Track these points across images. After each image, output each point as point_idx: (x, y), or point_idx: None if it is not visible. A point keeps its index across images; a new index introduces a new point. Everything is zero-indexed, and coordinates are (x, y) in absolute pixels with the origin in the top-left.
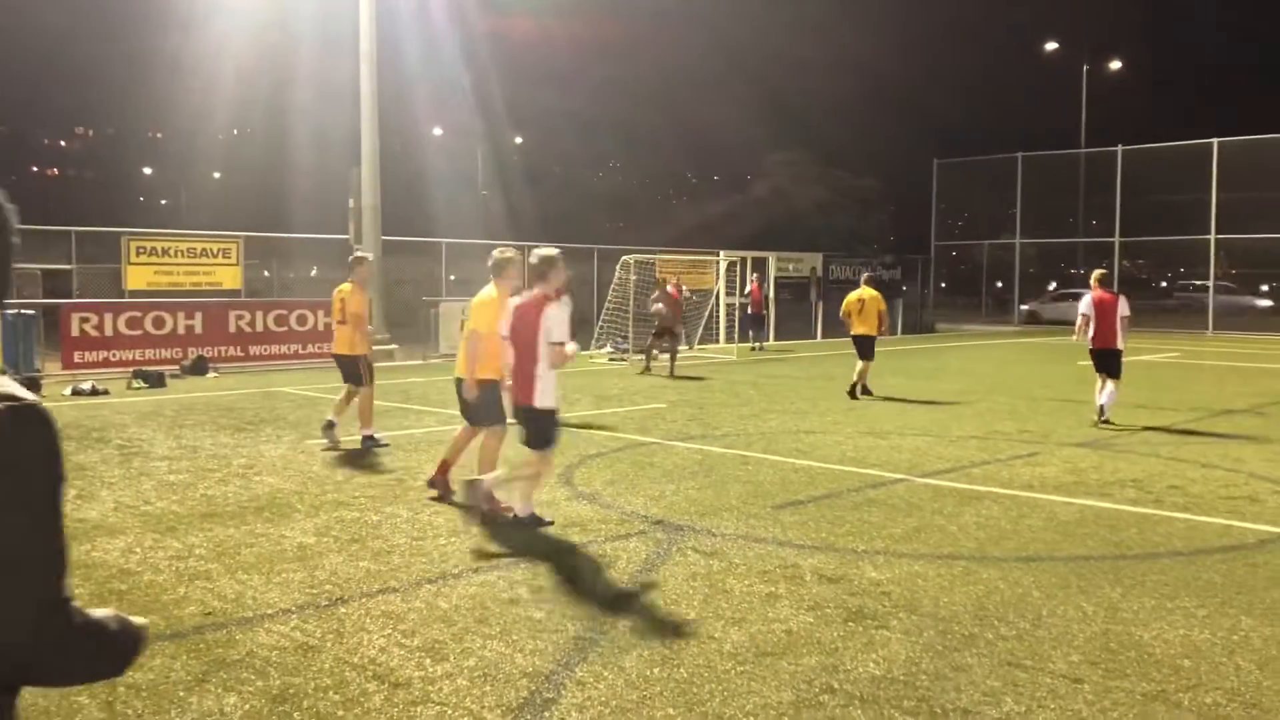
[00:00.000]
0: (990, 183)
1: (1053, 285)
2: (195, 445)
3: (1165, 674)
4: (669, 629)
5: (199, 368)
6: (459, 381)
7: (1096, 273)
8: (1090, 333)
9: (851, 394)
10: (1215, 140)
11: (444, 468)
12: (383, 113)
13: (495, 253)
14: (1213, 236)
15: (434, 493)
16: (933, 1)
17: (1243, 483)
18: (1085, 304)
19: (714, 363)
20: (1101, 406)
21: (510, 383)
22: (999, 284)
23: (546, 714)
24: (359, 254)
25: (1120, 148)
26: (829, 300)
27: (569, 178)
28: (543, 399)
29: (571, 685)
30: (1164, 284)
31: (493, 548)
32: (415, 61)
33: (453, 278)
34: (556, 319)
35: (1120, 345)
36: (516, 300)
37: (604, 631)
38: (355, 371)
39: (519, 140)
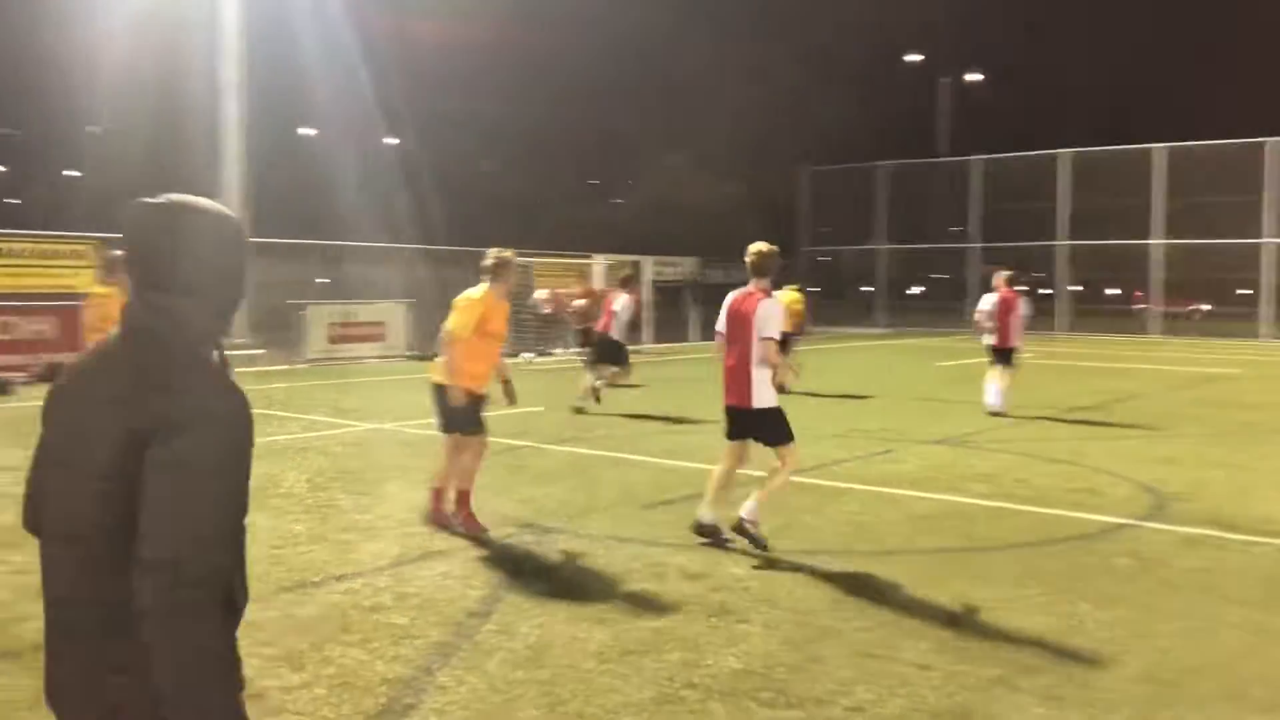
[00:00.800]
0: (855, 190)
1: (916, 290)
2: None
3: (1008, 659)
4: (534, 631)
5: (50, 374)
6: (438, 388)
7: (1003, 274)
8: (994, 329)
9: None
10: (1065, 151)
11: (439, 495)
12: (256, 110)
13: (492, 252)
14: (1062, 242)
15: (446, 527)
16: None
17: (1085, 476)
18: (988, 302)
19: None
20: (993, 404)
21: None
22: (863, 288)
23: (405, 719)
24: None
25: (977, 157)
26: (706, 304)
27: (448, 179)
28: (760, 399)
29: (433, 690)
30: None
31: (358, 556)
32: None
33: (326, 281)
34: (771, 314)
35: (1016, 342)
36: (730, 296)
37: (468, 635)
38: None
39: (397, 141)
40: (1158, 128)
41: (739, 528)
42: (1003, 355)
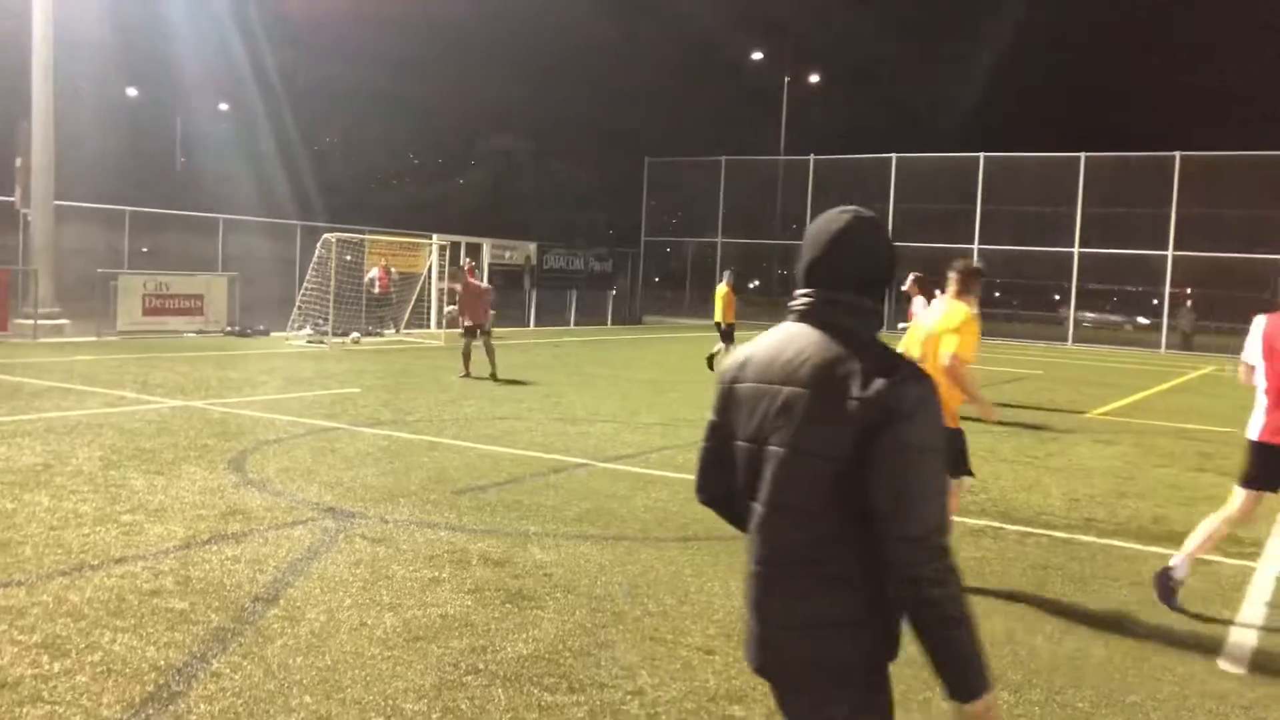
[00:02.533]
0: (697, 183)
1: (754, 284)
2: None
3: None
4: (321, 617)
5: None
6: (955, 432)
7: (913, 275)
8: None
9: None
10: (894, 155)
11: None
12: (66, 66)
13: (961, 262)
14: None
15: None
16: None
17: None
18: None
19: (420, 348)
20: None
21: None
22: (705, 280)
23: (171, 707)
24: None
25: (812, 157)
26: (543, 289)
27: (282, 151)
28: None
29: (205, 677)
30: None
31: (143, 539)
32: (113, 13)
33: (144, 250)
34: None
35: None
36: (1262, 320)
37: (250, 621)
38: None
39: (225, 108)
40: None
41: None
42: None
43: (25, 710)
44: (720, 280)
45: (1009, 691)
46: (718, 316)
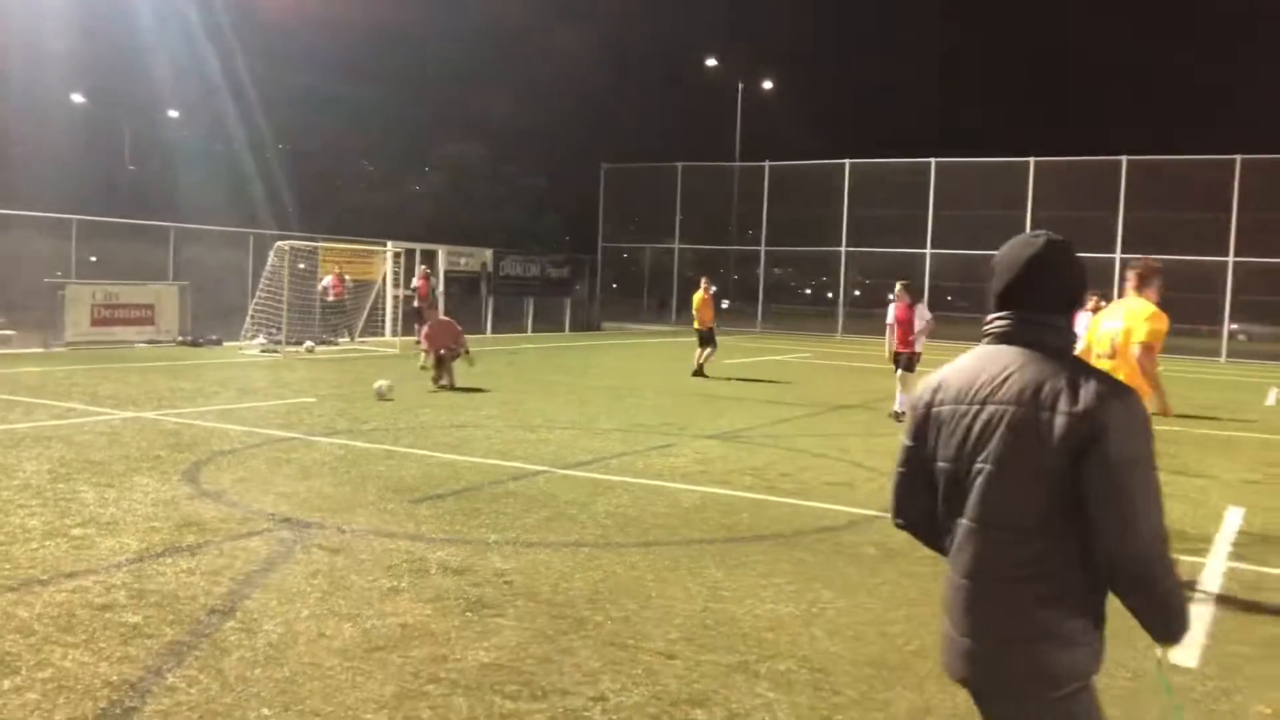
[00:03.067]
0: (654, 189)
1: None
2: None
3: (750, 646)
4: (278, 628)
5: None
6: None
7: (901, 284)
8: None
9: (699, 374)
10: (847, 161)
11: None
12: (14, 75)
13: (1140, 260)
14: (844, 249)
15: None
16: (606, 12)
17: (844, 470)
18: (891, 313)
19: (376, 356)
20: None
21: None
22: (662, 286)
23: None
24: None
25: (767, 163)
26: (499, 296)
27: (232, 158)
28: None
29: (160, 691)
30: (806, 290)
31: (94, 553)
32: (60, 21)
33: (93, 259)
34: None
35: (918, 348)
36: None
37: (205, 635)
38: None
39: (174, 114)
40: (937, 144)
41: None
42: (901, 360)
43: None
44: (699, 287)
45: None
46: (696, 322)
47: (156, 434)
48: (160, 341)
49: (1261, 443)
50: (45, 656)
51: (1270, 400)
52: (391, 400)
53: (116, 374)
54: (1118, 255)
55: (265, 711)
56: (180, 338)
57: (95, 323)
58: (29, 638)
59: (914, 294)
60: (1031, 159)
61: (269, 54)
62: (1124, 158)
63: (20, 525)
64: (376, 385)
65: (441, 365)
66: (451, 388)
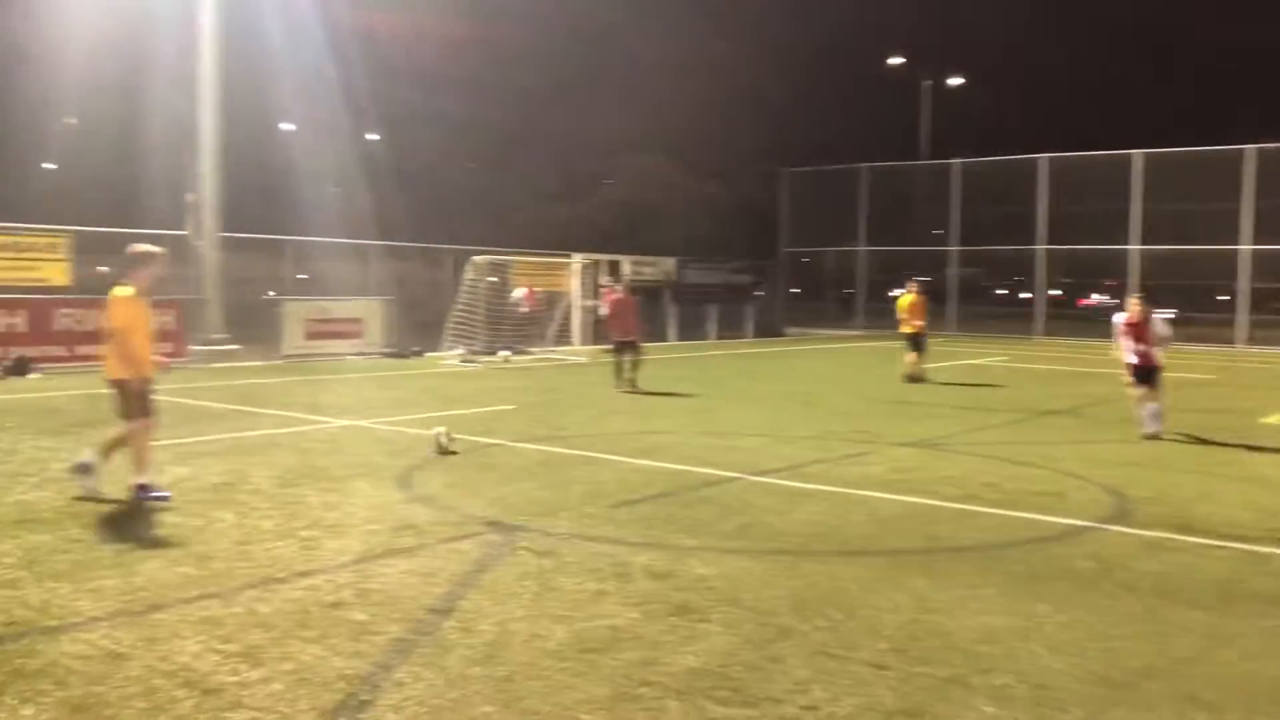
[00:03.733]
0: (836, 192)
1: (898, 292)
2: (12, 449)
3: (963, 659)
4: (494, 628)
5: (20, 368)
6: None
7: (1134, 296)
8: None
9: (914, 380)
10: (1044, 156)
11: None
12: (231, 105)
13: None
14: (1042, 247)
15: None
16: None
17: (1052, 480)
18: (1119, 319)
19: (567, 365)
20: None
21: None
22: (847, 290)
23: (361, 715)
24: (139, 248)
25: (957, 161)
26: (683, 304)
27: (429, 177)
28: None
29: (389, 686)
30: (1000, 290)
31: (322, 553)
32: (268, 53)
33: (302, 277)
34: None
35: (1158, 362)
36: None
37: (427, 633)
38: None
39: (375, 137)
40: (1137, 133)
41: None
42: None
43: (229, 716)
44: (905, 288)
45: (1204, 711)
46: (905, 326)
47: (370, 441)
48: (368, 353)
49: None
50: (286, 650)
51: None
52: (455, 453)
53: (331, 384)
54: None
55: (487, 709)
56: (386, 349)
57: (309, 336)
58: (270, 632)
59: (1150, 303)
60: (1248, 147)
61: (465, 79)
62: None
63: (255, 527)
64: (435, 432)
65: (619, 372)
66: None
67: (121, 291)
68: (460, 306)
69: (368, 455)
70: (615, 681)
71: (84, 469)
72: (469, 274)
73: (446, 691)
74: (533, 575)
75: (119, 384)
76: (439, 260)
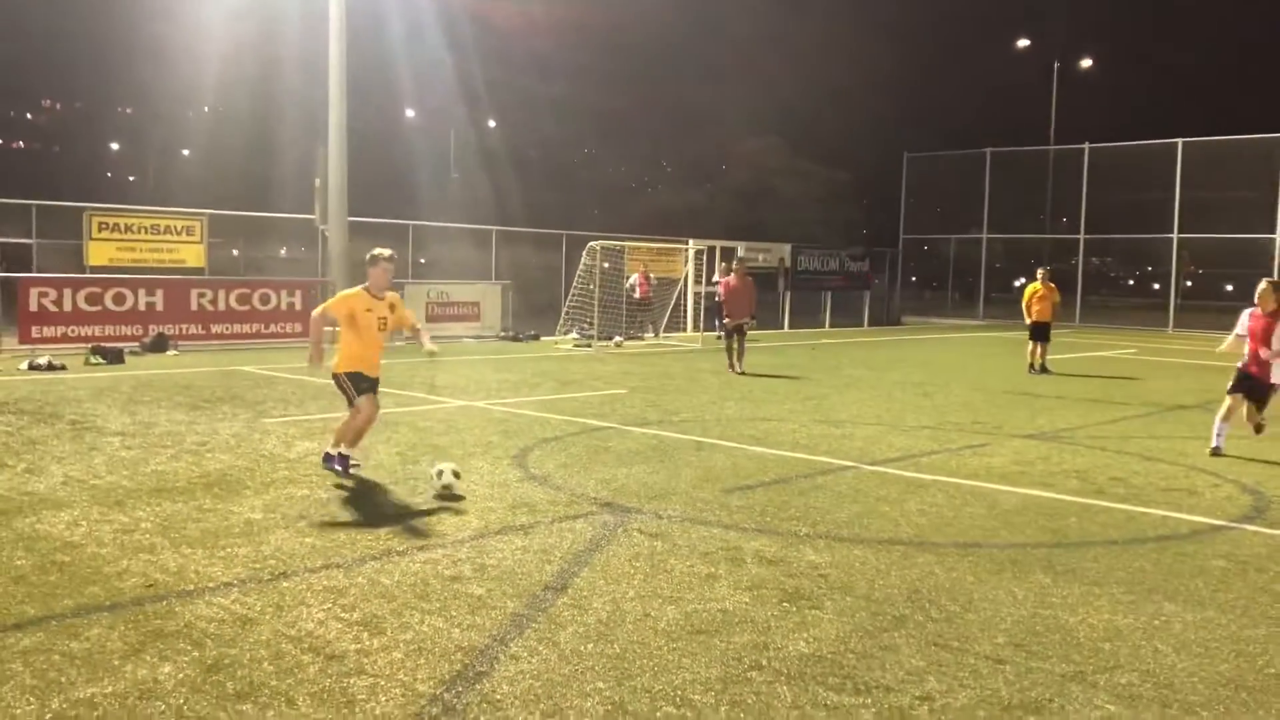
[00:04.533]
0: (959, 177)
1: (1019, 281)
2: (150, 422)
3: (1085, 656)
4: (607, 606)
5: (159, 345)
6: None
7: (1268, 282)
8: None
9: (1040, 370)
10: (1180, 140)
11: None
12: (357, 94)
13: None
14: (1175, 235)
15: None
16: None
17: (1183, 476)
18: (1243, 322)
19: (679, 351)
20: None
21: None
22: (968, 278)
23: (478, 686)
24: (372, 252)
25: (1087, 145)
26: (797, 291)
27: (544, 163)
28: None
29: (505, 659)
30: (1130, 281)
31: (441, 528)
32: (392, 43)
33: (422, 261)
34: None
35: (1275, 377)
36: None
37: (542, 609)
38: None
39: (493, 124)
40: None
41: None
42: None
43: (352, 681)
44: (1039, 278)
45: None
46: (1032, 314)
47: (487, 422)
48: (485, 336)
49: None
50: (405, 620)
51: None
52: (461, 498)
53: (449, 366)
54: None
55: (600, 685)
56: (502, 332)
57: (429, 319)
58: (391, 602)
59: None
60: None
61: (581, 65)
62: None
63: (378, 501)
64: (436, 470)
65: (732, 355)
66: (739, 371)
67: (345, 290)
68: (575, 291)
69: (484, 435)
70: (726, 664)
71: (331, 460)
72: (584, 259)
73: (560, 666)
74: (645, 556)
75: (333, 375)
76: (555, 245)
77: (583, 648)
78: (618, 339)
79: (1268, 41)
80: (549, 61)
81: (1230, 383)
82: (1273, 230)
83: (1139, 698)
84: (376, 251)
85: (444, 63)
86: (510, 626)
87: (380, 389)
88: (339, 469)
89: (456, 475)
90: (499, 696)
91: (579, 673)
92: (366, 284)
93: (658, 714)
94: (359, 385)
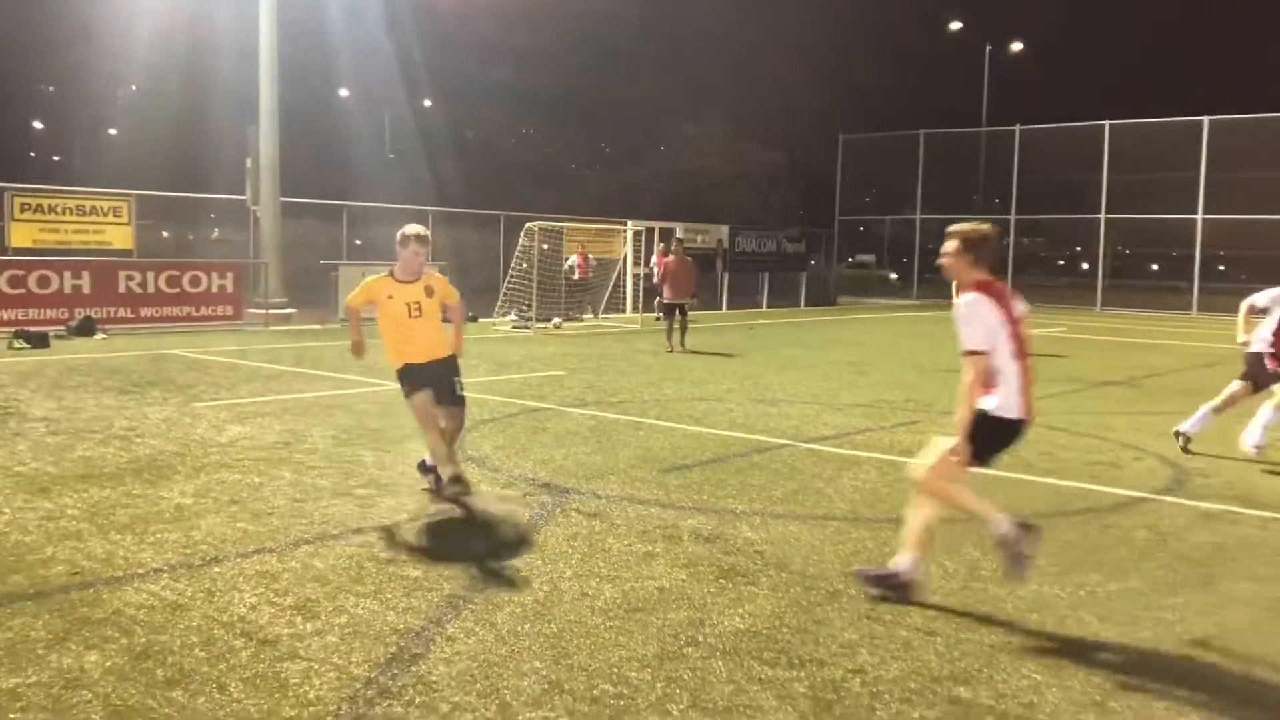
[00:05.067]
0: (894, 158)
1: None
2: (76, 407)
3: (1014, 626)
4: (544, 586)
5: (86, 328)
6: None
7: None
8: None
9: None
10: (1107, 123)
11: None
12: (289, 73)
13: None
14: (1103, 216)
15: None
16: None
17: (1108, 450)
18: (1266, 297)
19: (618, 332)
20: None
21: None
22: (904, 259)
23: (414, 668)
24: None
25: (1018, 127)
26: (735, 272)
27: (481, 144)
28: None
29: (441, 640)
30: (1061, 261)
31: (377, 511)
32: (327, 21)
33: (358, 242)
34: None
35: None
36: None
37: (479, 589)
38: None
39: (429, 104)
40: (1203, 100)
41: None
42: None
43: (285, 666)
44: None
45: (1259, 683)
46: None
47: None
48: None
49: None
50: (340, 604)
51: None
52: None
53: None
54: None
55: (537, 664)
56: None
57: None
58: (325, 586)
59: None
60: None
61: (518, 47)
62: None
63: (312, 485)
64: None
65: (671, 335)
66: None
67: (370, 276)
68: (513, 273)
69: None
70: (663, 640)
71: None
72: (522, 240)
73: (497, 647)
74: (582, 536)
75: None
76: (493, 226)
77: (520, 627)
78: (556, 320)
79: (1193, 25)
80: (487, 42)
81: (1246, 379)
82: (1196, 211)
83: (1064, 667)
84: (405, 230)
85: (379, 42)
86: (447, 608)
87: (319, 370)
88: (434, 488)
89: (457, 480)
90: (434, 678)
91: (515, 652)
92: (393, 267)
93: (595, 691)
94: (405, 380)
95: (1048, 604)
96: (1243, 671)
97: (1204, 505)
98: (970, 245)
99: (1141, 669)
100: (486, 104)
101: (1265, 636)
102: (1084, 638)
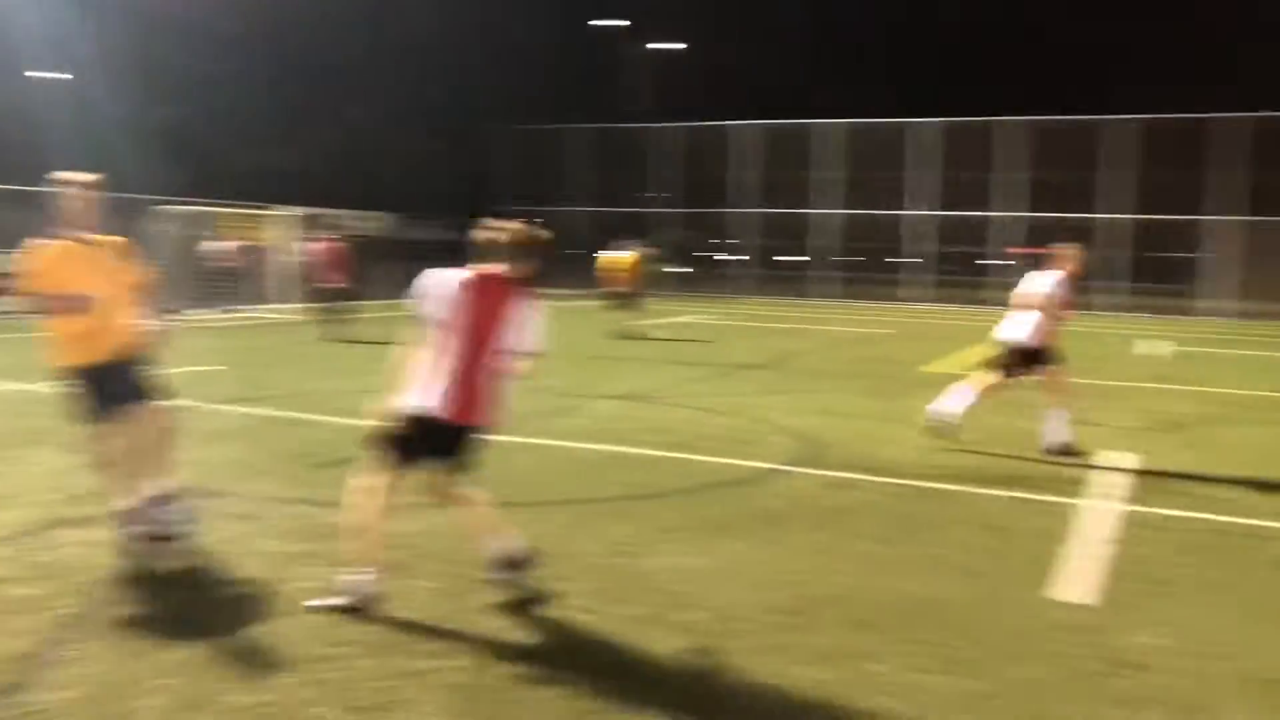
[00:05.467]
0: (556, 152)
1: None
2: None
3: (661, 598)
4: (186, 595)
5: None
6: None
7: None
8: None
9: (627, 337)
10: (729, 124)
11: None
12: None
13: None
14: (760, 210)
15: None
16: None
17: (749, 427)
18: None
19: (271, 323)
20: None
21: None
22: (566, 250)
23: (28, 697)
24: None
25: (671, 125)
26: (396, 260)
27: (122, 117)
28: None
29: (60, 664)
30: (717, 255)
31: None
32: None
33: None
34: None
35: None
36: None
37: (107, 606)
38: None
39: (69, 77)
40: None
41: None
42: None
43: None
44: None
45: (866, 631)
46: (618, 284)
47: (36, 404)
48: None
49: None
50: None
51: (1141, 350)
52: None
53: (11, 345)
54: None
55: (171, 681)
56: None
57: None
58: None
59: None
60: (908, 120)
61: (174, 16)
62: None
63: None
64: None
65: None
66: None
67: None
68: (157, 262)
69: (33, 420)
70: (309, 644)
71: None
72: (163, 227)
73: (120, 667)
74: (225, 540)
75: None
76: (143, 212)
77: (145, 644)
78: (187, 313)
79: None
80: (123, 10)
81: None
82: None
83: (708, 631)
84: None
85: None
86: (68, 628)
87: None
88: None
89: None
90: (46, 706)
91: (144, 671)
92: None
93: (228, 700)
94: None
95: (693, 575)
96: (855, 620)
97: (832, 474)
98: (507, 245)
99: (770, 630)
100: (134, 75)
101: (871, 589)
102: (726, 604)
